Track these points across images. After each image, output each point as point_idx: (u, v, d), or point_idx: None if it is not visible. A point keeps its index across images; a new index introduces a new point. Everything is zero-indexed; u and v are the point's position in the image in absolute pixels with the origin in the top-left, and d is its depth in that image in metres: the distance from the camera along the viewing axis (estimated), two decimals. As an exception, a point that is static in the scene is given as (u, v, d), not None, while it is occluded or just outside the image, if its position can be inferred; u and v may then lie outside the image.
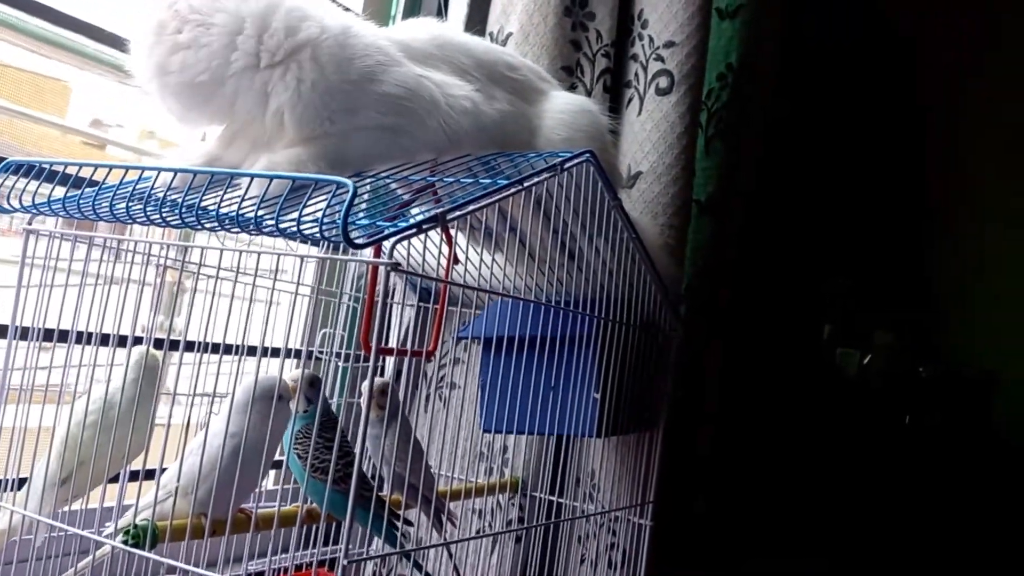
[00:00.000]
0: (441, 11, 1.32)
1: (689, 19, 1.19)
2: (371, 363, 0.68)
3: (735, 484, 1.66)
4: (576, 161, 0.88)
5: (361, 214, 0.68)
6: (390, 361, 1.26)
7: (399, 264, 0.65)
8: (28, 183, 0.78)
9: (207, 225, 0.67)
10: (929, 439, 2.51)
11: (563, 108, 0.99)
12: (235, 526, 0.78)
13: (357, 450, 0.72)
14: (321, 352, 1.13)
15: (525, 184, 0.80)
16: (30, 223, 0.80)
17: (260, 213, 0.65)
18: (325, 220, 0.62)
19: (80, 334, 0.79)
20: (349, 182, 0.62)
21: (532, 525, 1.14)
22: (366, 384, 0.97)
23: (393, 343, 1.26)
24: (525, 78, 0.98)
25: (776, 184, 1.92)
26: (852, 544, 2.03)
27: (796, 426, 1.87)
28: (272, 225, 0.63)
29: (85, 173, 0.81)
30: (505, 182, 0.78)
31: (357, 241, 0.62)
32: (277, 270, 1.00)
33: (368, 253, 0.66)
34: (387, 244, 0.65)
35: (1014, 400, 2.53)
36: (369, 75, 0.83)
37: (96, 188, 0.79)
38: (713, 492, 1.42)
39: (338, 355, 1.10)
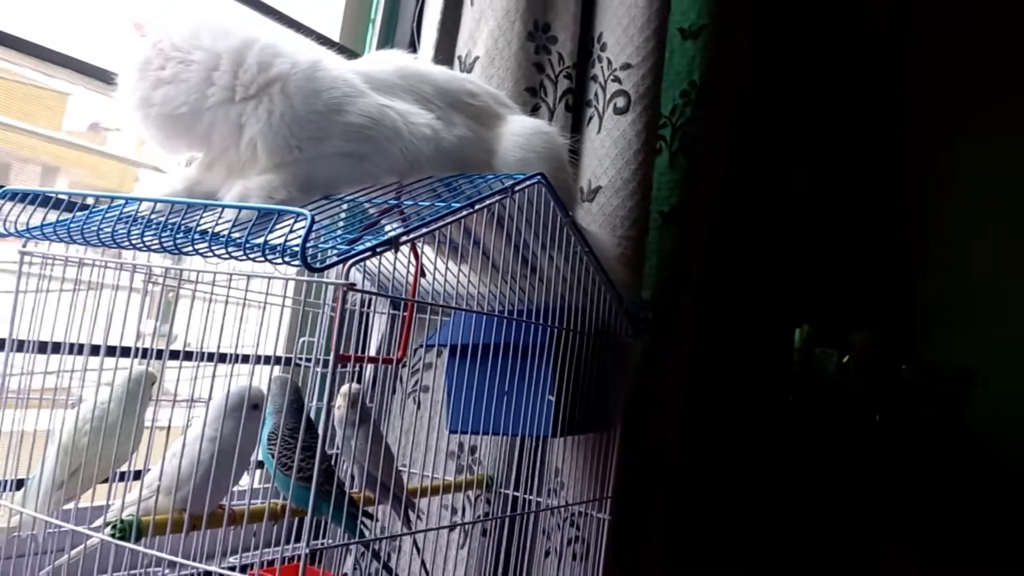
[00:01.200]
0: (414, 37, 1.39)
1: (645, 42, 1.26)
2: (330, 370, 0.75)
3: (701, 482, 1.74)
4: (528, 183, 0.95)
5: (323, 237, 0.76)
6: (370, 367, 1.34)
7: (354, 284, 0.72)
8: (24, 208, 0.86)
9: (184, 250, 0.75)
10: (906, 436, 2.59)
11: (519, 132, 1.07)
12: (212, 521, 0.85)
13: (319, 449, 0.79)
14: (300, 359, 1.21)
15: (476, 207, 0.87)
16: (24, 246, 0.87)
17: (233, 236, 0.73)
18: (288, 246, 0.69)
19: (72, 345, 0.87)
20: (308, 213, 0.69)
21: (492, 518, 1.22)
22: (342, 389, 1.05)
23: (372, 350, 1.34)
24: (484, 104, 1.05)
25: (748, 191, 2.00)
26: (820, 540, 2.11)
27: (763, 425, 1.94)
28: (240, 251, 0.71)
29: (75, 200, 0.89)
30: (458, 205, 0.86)
31: (315, 265, 0.69)
32: (266, 291, 1.07)
33: (335, 272, 0.74)
34: (342, 267, 0.72)
35: (991, 396, 2.62)
36: (335, 106, 0.91)
37: (85, 214, 0.87)
38: (678, 490, 1.49)
39: (317, 362, 1.18)
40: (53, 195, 0.85)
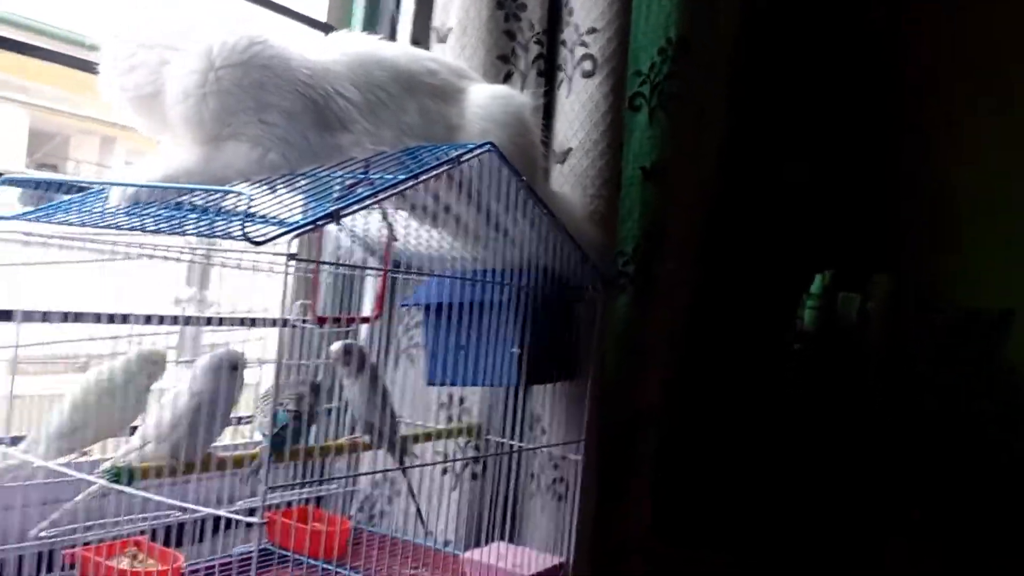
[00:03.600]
0: (396, 9, 1.46)
1: (608, 7, 1.31)
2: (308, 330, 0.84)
3: (685, 435, 1.81)
4: (477, 152, 1.03)
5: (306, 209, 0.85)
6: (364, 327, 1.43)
7: (296, 254, 0.81)
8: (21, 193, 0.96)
9: (150, 228, 0.84)
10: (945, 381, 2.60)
11: (480, 102, 1.13)
12: (200, 465, 0.96)
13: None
14: (297, 321, 1.31)
15: (420, 179, 0.95)
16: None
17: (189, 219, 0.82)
18: (232, 223, 0.78)
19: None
20: (246, 192, 0.78)
21: (470, 457, 1.32)
22: (333, 347, 1.15)
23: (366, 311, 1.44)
24: (445, 80, 1.12)
25: (747, 140, 2.03)
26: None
27: (760, 376, 1.99)
28: (194, 231, 0.80)
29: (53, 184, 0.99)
30: (404, 176, 0.94)
31: (256, 240, 0.78)
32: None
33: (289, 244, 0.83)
34: (286, 238, 0.81)
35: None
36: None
37: (79, 197, 0.97)
38: (661, 440, 1.57)
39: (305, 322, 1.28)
40: (46, 181, 0.95)
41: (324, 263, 0.90)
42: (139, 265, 0.97)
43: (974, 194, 2.89)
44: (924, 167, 3.01)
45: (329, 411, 1.18)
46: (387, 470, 1.22)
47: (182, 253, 0.95)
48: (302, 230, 0.82)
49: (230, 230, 0.78)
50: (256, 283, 0.95)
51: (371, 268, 1.22)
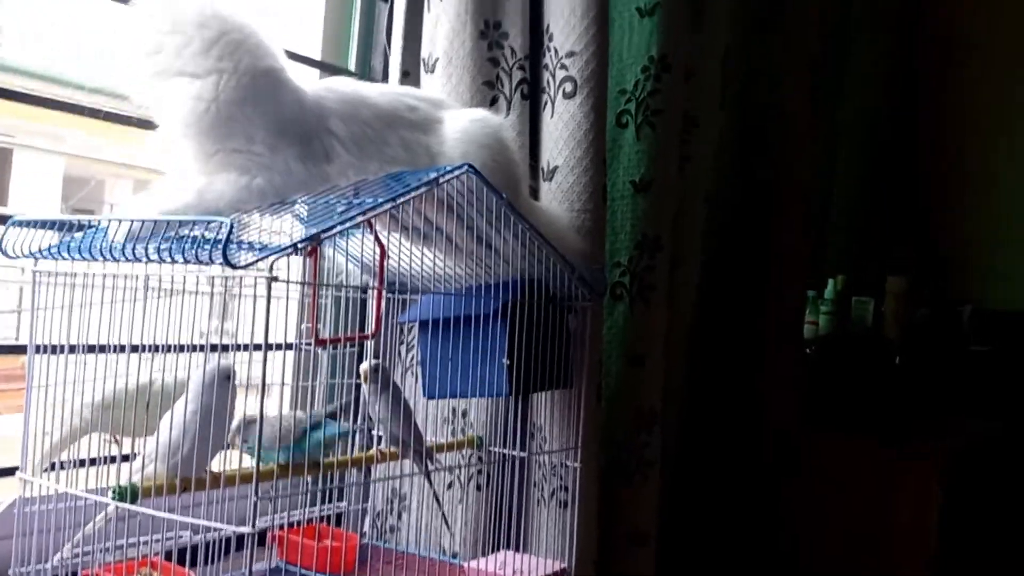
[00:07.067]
0: (386, 47, 1.53)
1: (585, 30, 1.37)
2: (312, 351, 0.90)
3: (687, 439, 1.83)
4: (456, 174, 1.08)
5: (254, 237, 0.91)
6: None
7: (276, 276, 0.87)
8: (33, 234, 1.03)
9: (140, 259, 0.91)
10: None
11: (458, 128, 1.19)
12: (200, 484, 1.01)
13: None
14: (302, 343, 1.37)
15: (398, 201, 1.00)
16: (36, 264, 1.05)
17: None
18: (212, 250, 0.84)
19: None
20: (228, 221, 0.84)
21: (470, 465, 1.36)
22: (363, 366, 1.21)
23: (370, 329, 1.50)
24: (425, 113, 1.18)
25: (740, 150, 2.06)
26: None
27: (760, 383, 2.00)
28: (180, 257, 0.86)
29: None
30: (383, 200, 1.00)
31: (237, 264, 0.84)
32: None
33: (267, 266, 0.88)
34: (267, 262, 0.87)
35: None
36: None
37: (88, 234, 1.04)
38: (663, 445, 1.60)
39: (310, 344, 1.34)
40: (52, 221, 1.02)
41: (306, 283, 0.96)
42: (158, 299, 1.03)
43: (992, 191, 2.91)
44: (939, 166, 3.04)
45: (353, 433, 1.23)
46: (402, 475, 1.27)
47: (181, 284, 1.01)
48: (281, 253, 0.88)
49: (213, 255, 0.83)
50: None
51: (355, 286, 1.27)
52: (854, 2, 2.73)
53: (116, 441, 1.09)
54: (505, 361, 1.19)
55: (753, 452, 1.98)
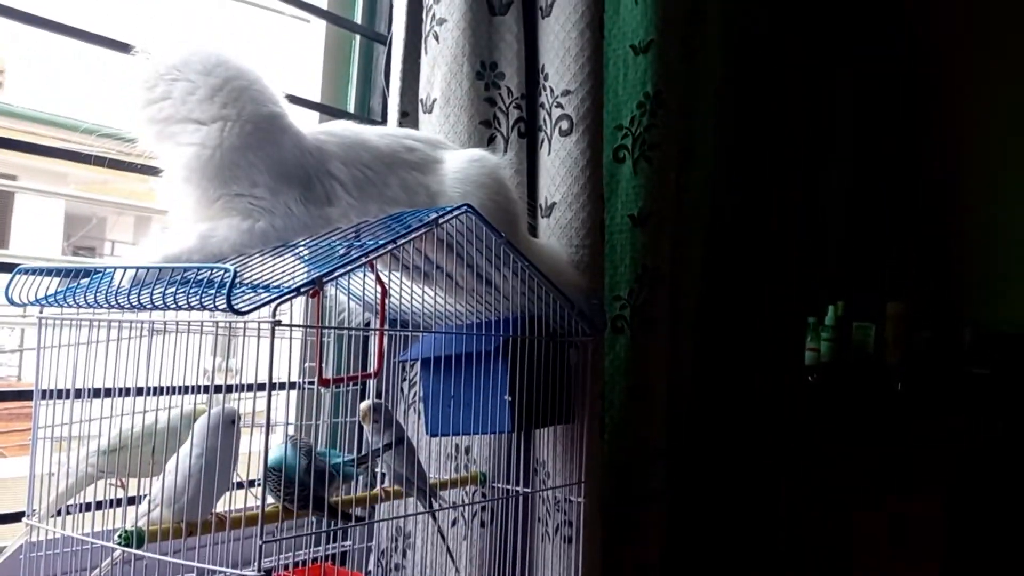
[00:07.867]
0: (384, 89, 1.56)
1: (580, 70, 1.39)
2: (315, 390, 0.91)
3: (692, 473, 1.83)
4: (455, 214, 1.10)
5: (256, 283, 0.92)
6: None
7: (280, 320, 0.88)
8: (39, 281, 1.05)
9: (152, 306, 0.92)
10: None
11: (456, 168, 1.21)
12: (206, 527, 1.02)
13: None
14: (303, 383, 1.38)
15: (399, 243, 1.02)
16: (41, 311, 1.07)
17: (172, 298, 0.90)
18: (216, 298, 0.85)
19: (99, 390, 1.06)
20: (231, 268, 0.85)
21: (473, 503, 1.37)
22: (362, 405, 1.22)
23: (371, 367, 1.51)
24: (423, 154, 1.20)
25: (740, 181, 2.08)
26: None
27: (766, 413, 2.01)
28: (186, 304, 0.88)
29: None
30: (383, 241, 1.01)
31: (243, 310, 0.85)
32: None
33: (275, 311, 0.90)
34: (270, 307, 0.88)
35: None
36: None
37: (78, 283, 1.05)
38: (669, 479, 1.60)
39: (312, 383, 1.35)
40: (58, 269, 1.04)
41: (309, 327, 0.97)
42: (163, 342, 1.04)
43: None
44: (935, 193, 3.06)
45: (358, 475, 1.24)
46: (407, 515, 1.27)
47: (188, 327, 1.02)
48: (285, 298, 0.89)
49: (217, 302, 0.85)
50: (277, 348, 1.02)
51: (357, 328, 1.28)
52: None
53: (122, 486, 1.09)
54: (507, 397, 1.20)
55: (756, 480, 1.98)
